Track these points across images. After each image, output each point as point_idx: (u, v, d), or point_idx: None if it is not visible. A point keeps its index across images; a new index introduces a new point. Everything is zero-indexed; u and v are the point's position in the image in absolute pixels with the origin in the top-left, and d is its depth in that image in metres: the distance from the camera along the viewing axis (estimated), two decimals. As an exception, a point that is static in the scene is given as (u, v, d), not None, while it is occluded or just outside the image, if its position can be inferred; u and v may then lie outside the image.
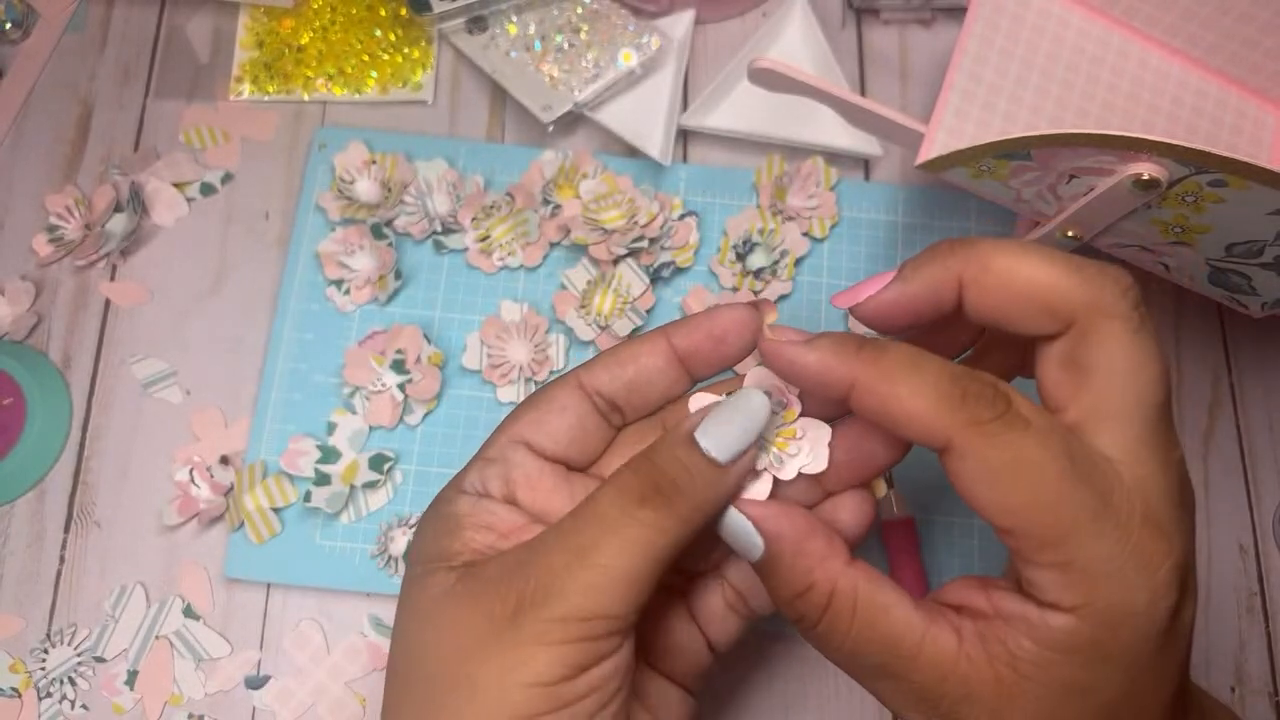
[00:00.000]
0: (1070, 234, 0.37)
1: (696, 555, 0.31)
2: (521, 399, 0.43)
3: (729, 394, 0.27)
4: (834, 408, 0.28)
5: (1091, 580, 0.22)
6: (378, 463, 0.42)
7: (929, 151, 0.38)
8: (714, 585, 0.31)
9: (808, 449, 0.28)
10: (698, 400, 0.28)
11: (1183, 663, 0.24)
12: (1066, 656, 0.23)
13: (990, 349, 0.29)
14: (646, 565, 0.25)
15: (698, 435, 0.25)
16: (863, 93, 0.49)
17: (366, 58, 0.49)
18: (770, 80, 0.39)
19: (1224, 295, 0.38)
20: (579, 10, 0.48)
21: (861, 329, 0.44)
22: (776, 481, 0.27)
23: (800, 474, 0.28)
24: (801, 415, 0.28)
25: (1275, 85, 0.42)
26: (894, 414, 0.23)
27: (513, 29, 0.47)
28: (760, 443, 0.27)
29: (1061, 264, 0.24)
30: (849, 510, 0.28)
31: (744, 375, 0.29)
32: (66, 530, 0.43)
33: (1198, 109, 0.42)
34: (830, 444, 0.28)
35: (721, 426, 0.25)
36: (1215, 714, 0.28)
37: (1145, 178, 0.32)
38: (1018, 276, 0.24)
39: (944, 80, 0.40)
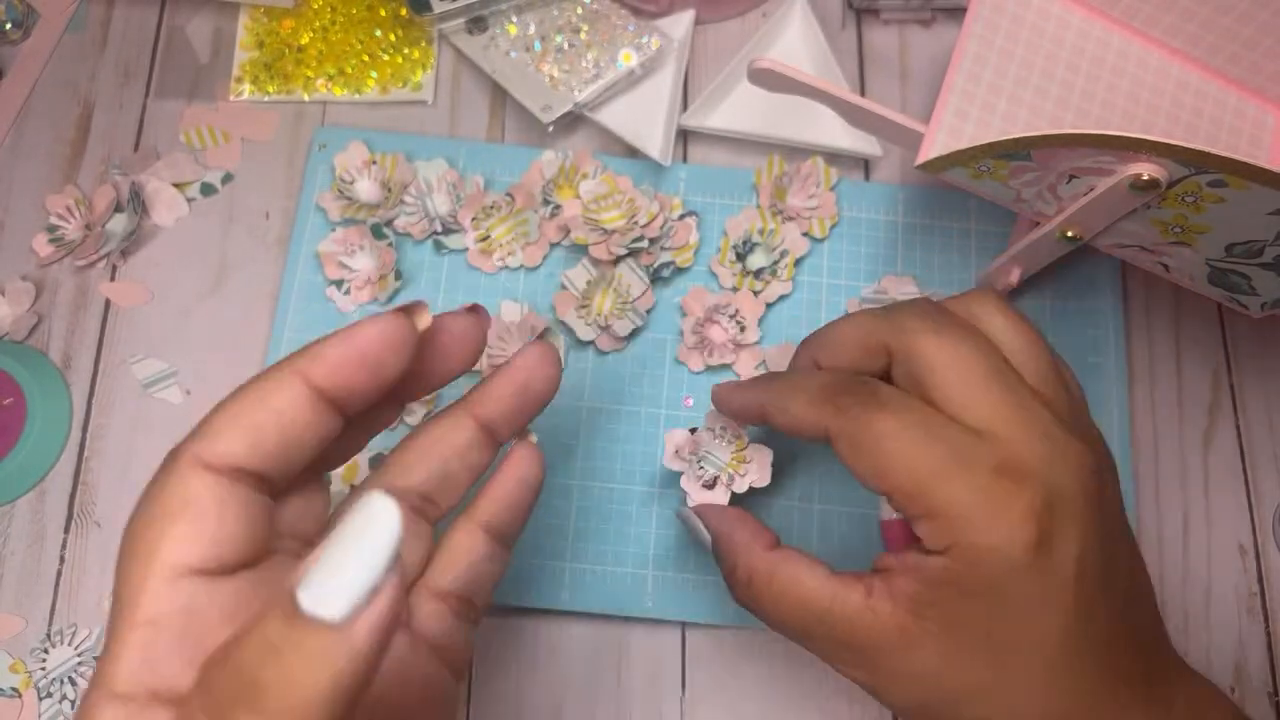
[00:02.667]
0: (1070, 234, 0.37)
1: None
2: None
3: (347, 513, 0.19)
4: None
5: (951, 523, 0.26)
6: (378, 463, 0.42)
7: (929, 152, 0.38)
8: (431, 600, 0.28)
9: (755, 468, 0.37)
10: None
11: (1074, 598, 0.26)
12: (944, 592, 0.26)
13: None
14: None
15: (300, 595, 0.18)
16: (863, 93, 0.49)
17: (367, 58, 0.49)
18: (770, 80, 0.39)
19: (1223, 295, 0.38)
20: (579, 11, 0.48)
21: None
22: (733, 493, 0.36)
23: (750, 487, 0.36)
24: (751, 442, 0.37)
25: (1275, 85, 0.42)
26: (790, 423, 0.30)
27: (513, 29, 0.47)
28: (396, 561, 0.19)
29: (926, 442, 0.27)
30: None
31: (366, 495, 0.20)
32: (67, 530, 0.43)
33: (1197, 109, 0.42)
34: (770, 464, 0.37)
35: (332, 575, 0.18)
36: (1206, 701, 0.29)
37: (1145, 178, 0.32)
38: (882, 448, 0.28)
39: (944, 80, 0.40)
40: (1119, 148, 0.32)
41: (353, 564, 0.18)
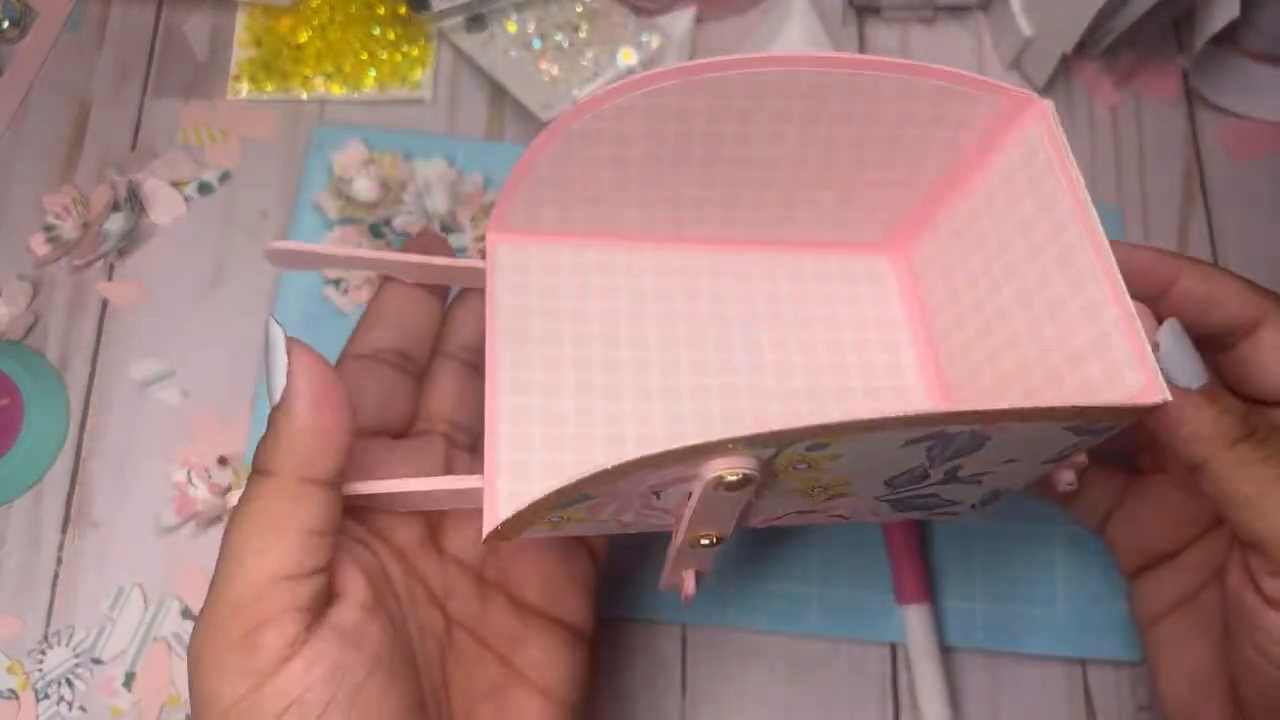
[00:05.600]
0: (705, 541, 0.28)
1: None
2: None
3: None
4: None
5: None
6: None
7: (495, 516, 0.28)
8: None
9: None
10: None
11: None
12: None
13: None
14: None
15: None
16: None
17: (365, 56, 0.49)
18: (286, 259, 0.32)
19: (925, 515, 0.31)
20: (578, 8, 0.47)
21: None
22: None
23: None
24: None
25: (866, 229, 0.34)
26: (1208, 294, 0.28)
27: (512, 27, 0.47)
28: None
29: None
30: None
31: None
32: (64, 531, 0.43)
33: (804, 295, 0.34)
34: None
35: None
36: None
37: (729, 479, 0.24)
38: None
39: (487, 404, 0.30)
40: (675, 464, 0.24)
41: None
